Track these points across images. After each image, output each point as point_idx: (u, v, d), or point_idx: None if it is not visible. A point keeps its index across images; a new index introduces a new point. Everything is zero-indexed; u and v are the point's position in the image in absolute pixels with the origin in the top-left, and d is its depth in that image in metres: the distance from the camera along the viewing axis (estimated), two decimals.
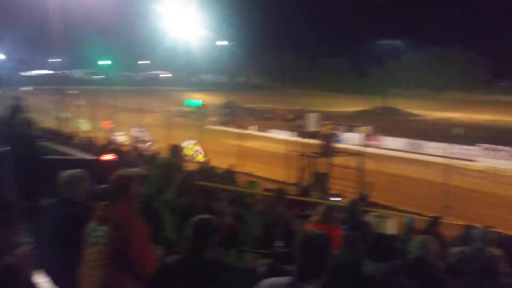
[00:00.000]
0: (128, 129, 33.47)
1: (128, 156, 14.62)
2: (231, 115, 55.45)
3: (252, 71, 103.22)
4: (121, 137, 31.04)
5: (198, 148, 27.02)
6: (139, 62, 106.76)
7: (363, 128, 36.66)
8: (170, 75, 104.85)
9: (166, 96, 73.02)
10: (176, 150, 7.00)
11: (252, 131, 44.72)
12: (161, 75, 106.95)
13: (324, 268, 2.27)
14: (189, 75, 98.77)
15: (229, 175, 13.01)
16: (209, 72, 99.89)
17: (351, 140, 29.77)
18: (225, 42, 78.65)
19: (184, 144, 26.59)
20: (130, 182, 3.18)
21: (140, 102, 61.97)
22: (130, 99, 65.62)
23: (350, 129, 35.36)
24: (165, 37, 62.38)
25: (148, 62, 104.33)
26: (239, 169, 21.25)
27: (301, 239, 2.32)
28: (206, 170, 14.04)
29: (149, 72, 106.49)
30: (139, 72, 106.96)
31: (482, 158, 29.46)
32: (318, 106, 53.08)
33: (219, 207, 5.85)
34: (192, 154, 25.80)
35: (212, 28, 69.45)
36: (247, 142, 28.84)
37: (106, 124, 36.78)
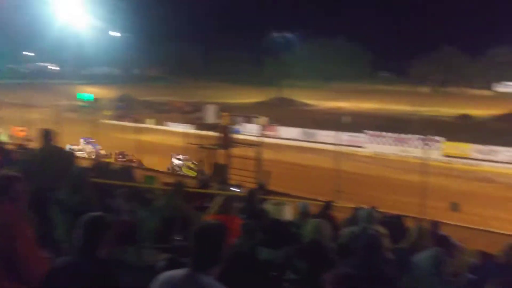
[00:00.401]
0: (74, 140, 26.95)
1: (14, 155, 13.54)
2: (126, 109, 53.67)
3: (147, 63, 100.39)
4: (79, 153, 24.84)
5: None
6: (24, 53, 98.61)
7: (260, 119, 37.63)
8: (58, 68, 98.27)
9: (55, 90, 68.53)
10: (48, 136, 6.22)
11: (149, 124, 43.77)
12: (49, 67, 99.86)
13: (220, 258, 2.32)
14: (79, 68, 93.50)
15: (126, 171, 12.63)
16: (102, 64, 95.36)
17: (249, 131, 30.39)
18: (118, 33, 75.71)
19: (176, 162, 22.61)
20: (13, 182, 2.97)
21: (26, 97, 57.53)
22: (14, 93, 60.67)
23: (247, 120, 36.04)
24: (52, 27, 58.21)
25: (34, 53, 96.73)
26: (137, 164, 20.71)
27: (196, 230, 2.34)
28: (101, 166, 13.46)
29: (36, 64, 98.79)
30: (24, 64, 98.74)
31: (369, 144, 31.71)
32: (216, 98, 53.26)
33: (115, 204, 5.67)
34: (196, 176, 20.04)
35: (103, 17, 66.26)
36: (144, 136, 28.15)
37: (18, 131, 32.35)
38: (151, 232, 5.19)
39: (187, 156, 22.48)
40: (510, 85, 65.06)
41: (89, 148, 26.80)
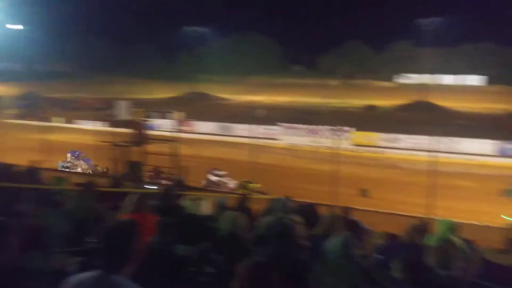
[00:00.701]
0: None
1: None
2: (31, 107, 50.42)
3: (54, 57, 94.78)
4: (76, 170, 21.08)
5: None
6: None
7: (175, 114, 37.11)
8: None
9: None
10: None
11: (57, 123, 41.56)
12: None
13: (131, 256, 2.27)
14: None
15: (32, 173, 11.90)
16: (1, 59, 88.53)
17: (164, 126, 29.90)
18: (20, 26, 70.61)
19: (214, 179, 19.04)
20: None
21: None
22: None
23: (162, 115, 35.41)
24: None
25: None
26: (45, 165, 19.56)
27: (104, 229, 2.28)
28: (4, 169, 12.56)
29: None
30: None
31: (284, 136, 32.54)
32: (128, 94, 51.77)
33: (20, 208, 5.34)
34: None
35: (2, 9, 61.48)
36: (52, 135, 26.69)
37: None
38: (61, 236, 4.95)
39: (226, 172, 19.08)
40: (410, 76, 69.76)
41: (82, 164, 21.55)
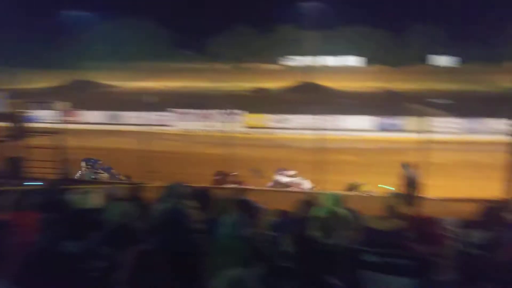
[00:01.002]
0: None
1: None
2: None
3: None
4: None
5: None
6: None
7: (59, 104, 34.80)
8: None
9: None
10: None
11: None
12: None
13: (5, 258, 2.11)
14: None
15: None
16: None
17: (46, 118, 27.95)
18: None
19: (283, 180, 16.28)
20: None
21: None
22: None
23: (44, 106, 33.04)
24: None
25: None
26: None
27: None
28: None
29: None
30: None
31: (177, 122, 32.20)
32: (3, 84, 47.36)
33: None
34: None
35: None
36: None
37: None
38: None
39: (296, 171, 16.57)
40: (295, 59, 72.63)
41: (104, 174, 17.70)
